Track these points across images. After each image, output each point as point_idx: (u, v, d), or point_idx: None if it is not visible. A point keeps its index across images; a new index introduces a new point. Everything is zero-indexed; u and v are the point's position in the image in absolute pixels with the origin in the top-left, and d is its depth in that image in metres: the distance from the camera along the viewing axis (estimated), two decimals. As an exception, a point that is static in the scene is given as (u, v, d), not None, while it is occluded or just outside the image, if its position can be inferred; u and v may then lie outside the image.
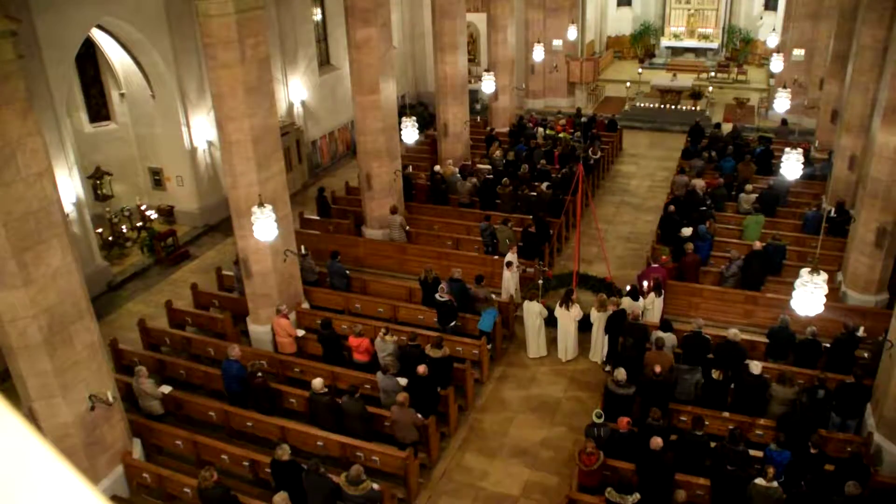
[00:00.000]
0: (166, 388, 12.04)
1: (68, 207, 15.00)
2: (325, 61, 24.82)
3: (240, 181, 12.67)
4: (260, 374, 11.73)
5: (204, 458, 10.99)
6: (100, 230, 17.74)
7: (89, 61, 18.51)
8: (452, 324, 13.58)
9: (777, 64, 23.74)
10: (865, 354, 11.89)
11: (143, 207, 18.95)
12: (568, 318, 13.42)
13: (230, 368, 11.90)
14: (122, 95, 19.07)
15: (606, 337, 13.35)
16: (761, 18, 33.36)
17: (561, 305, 13.42)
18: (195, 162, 19.41)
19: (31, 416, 9.29)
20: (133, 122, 19.35)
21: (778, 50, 25.40)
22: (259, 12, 12.14)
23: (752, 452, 10.09)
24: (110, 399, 9.91)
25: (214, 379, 12.52)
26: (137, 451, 10.97)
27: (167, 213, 19.68)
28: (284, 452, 9.79)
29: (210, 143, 19.51)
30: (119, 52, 18.14)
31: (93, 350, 9.78)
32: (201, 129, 19.28)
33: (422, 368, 11.20)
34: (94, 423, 9.96)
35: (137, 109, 19.12)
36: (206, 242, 19.41)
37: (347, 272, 15.59)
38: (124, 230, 18.56)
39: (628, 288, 14.27)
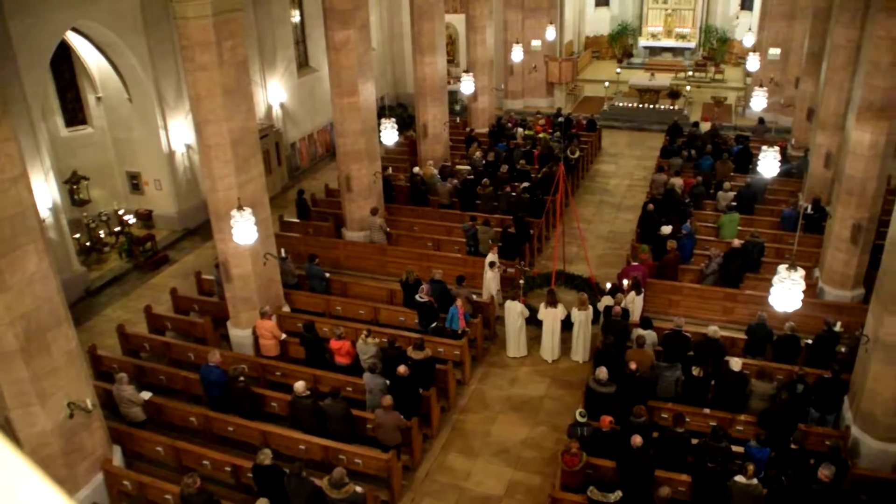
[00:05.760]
0: (147, 394, 11.93)
1: (44, 213, 14.87)
2: (303, 63, 24.75)
3: (219, 184, 12.59)
4: (242, 378, 11.66)
5: (185, 465, 10.91)
6: (77, 235, 17.57)
7: (64, 64, 18.29)
8: (433, 325, 13.58)
9: (753, 63, 23.98)
10: (842, 349, 12.04)
11: (120, 212, 18.77)
12: (553, 318, 13.48)
13: (209, 374, 11.84)
14: (98, 99, 18.88)
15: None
16: (737, 18, 33.68)
17: (546, 306, 13.48)
18: (173, 165, 19.28)
19: (8, 426, 9.17)
20: (110, 125, 19.16)
21: (754, 49, 25.61)
22: (237, 14, 12.08)
23: (734, 448, 10.18)
24: (89, 406, 9.81)
25: (195, 384, 12.44)
26: (118, 458, 10.86)
27: (145, 218, 19.51)
28: (266, 457, 9.76)
29: (188, 147, 19.38)
30: (95, 55, 17.98)
31: (71, 357, 9.67)
32: (179, 132, 19.15)
33: (402, 369, 11.19)
34: (73, 431, 9.85)
35: (114, 113, 18.94)
36: (186, 246, 19.28)
37: (326, 275, 15.56)
38: (102, 235, 18.37)
39: (609, 286, 14.38)
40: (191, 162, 19.61)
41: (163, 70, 18.41)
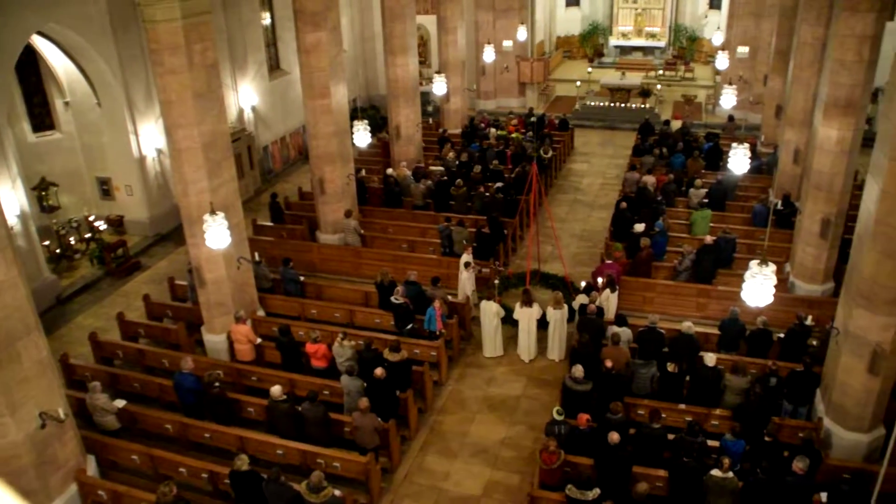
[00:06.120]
0: (121, 402, 11.80)
1: (12, 220, 14.67)
2: (274, 66, 24.60)
3: (190, 189, 12.49)
4: (217, 383, 11.57)
5: (161, 472, 10.82)
6: (46, 243, 17.32)
7: (30, 69, 18.03)
8: (409, 326, 13.58)
9: (722, 61, 24.29)
10: (814, 342, 12.20)
11: (91, 218, 18.54)
12: (529, 317, 13.53)
13: (184, 381, 11.73)
14: (66, 104, 18.62)
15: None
16: (706, 17, 34.03)
17: (522, 305, 13.52)
18: (144, 170, 19.07)
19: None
20: (79, 130, 18.91)
21: (723, 47, 25.94)
22: (206, 17, 11.97)
23: (709, 443, 10.29)
24: (62, 416, 9.67)
25: (170, 391, 12.29)
26: (92, 468, 10.73)
27: (117, 224, 19.29)
28: (243, 462, 9.69)
29: (159, 151, 19.19)
30: (62, 59, 17.73)
31: (42, 366, 9.53)
32: (150, 136, 18.95)
33: (379, 371, 11.18)
34: (46, 442, 9.70)
35: (83, 118, 18.70)
36: (158, 252, 19.08)
37: (301, 278, 15.49)
38: (72, 242, 18.12)
39: (583, 284, 14.46)
40: (162, 166, 19.42)
41: (132, 74, 18.21)
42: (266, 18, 23.97)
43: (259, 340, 13.39)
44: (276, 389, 11.14)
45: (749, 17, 25.45)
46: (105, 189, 19.44)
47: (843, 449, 10.54)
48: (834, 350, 10.73)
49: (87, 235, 18.37)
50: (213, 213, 11.11)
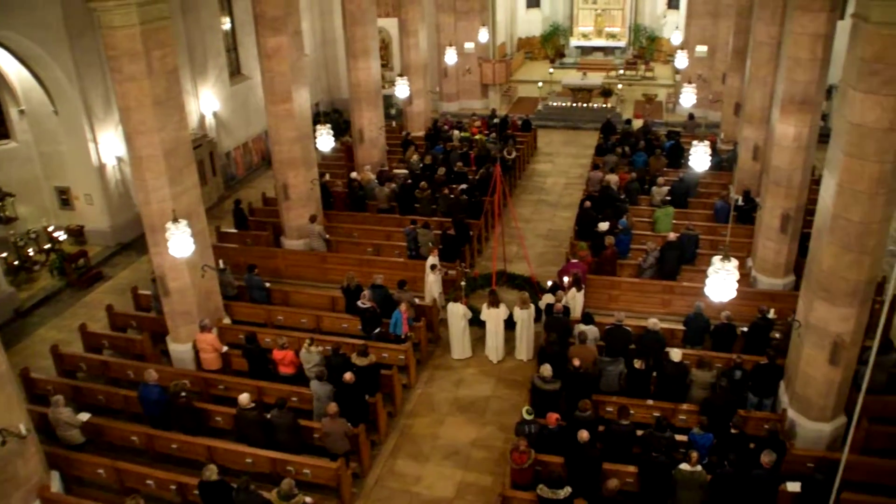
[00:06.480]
0: (85, 416, 11.60)
1: (-32, 232, 14.38)
2: (235, 71, 24.38)
3: (152, 197, 12.33)
4: (183, 393, 11.43)
5: (128, 486, 10.67)
6: (4, 254, 16.97)
7: (-17, 78, 17.69)
8: (377, 330, 13.54)
9: (682, 60, 24.63)
10: (777, 335, 12.42)
11: (50, 228, 18.19)
12: (496, 318, 13.56)
13: (149, 394, 11.56)
14: (21, 112, 18.25)
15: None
16: (665, 17, 34.46)
17: (489, 306, 13.56)
18: (104, 179, 18.76)
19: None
20: (35, 139, 18.54)
21: (682, 47, 26.25)
22: (165, 23, 11.82)
23: (678, 437, 10.42)
24: (23, 432, 9.46)
25: (135, 402, 12.11)
26: (56, 484, 10.52)
27: (77, 234, 18.95)
28: (212, 473, 9.59)
29: (119, 159, 18.89)
30: (16, 66, 17.38)
31: (1, 381, 9.33)
32: (109, 144, 18.65)
33: (348, 376, 11.13)
34: (6, 459, 9.48)
35: (39, 126, 18.34)
36: (120, 262, 18.80)
37: (266, 284, 15.36)
38: (31, 253, 17.74)
39: (549, 284, 14.54)
40: (123, 174, 19.12)
41: (90, 81, 17.89)
42: (226, 23, 23.75)
43: (225, 349, 13.26)
44: (244, 397, 11.03)
45: (707, 16, 25.84)
46: (64, 199, 19.10)
47: (806, 438, 10.73)
48: (796, 342, 10.93)
49: (47, 246, 18.01)
50: (175, 220, 11.00)
